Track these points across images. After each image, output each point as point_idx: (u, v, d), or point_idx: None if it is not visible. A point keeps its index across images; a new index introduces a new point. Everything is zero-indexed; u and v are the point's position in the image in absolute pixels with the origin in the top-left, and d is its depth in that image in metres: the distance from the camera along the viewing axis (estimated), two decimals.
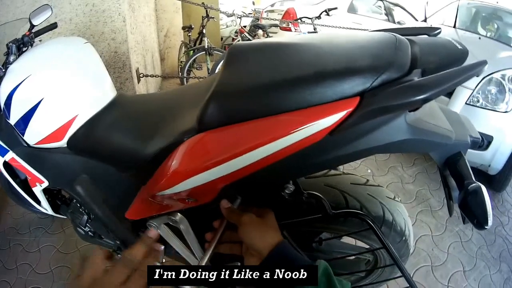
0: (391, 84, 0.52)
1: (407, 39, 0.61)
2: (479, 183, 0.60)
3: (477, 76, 0.53)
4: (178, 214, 0.75)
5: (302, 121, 0.52)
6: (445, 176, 0.69)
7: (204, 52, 3.39)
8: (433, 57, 0.61)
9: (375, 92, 0.51)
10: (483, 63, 0.51)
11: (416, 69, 0.56)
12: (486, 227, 0.56)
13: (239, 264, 0.79)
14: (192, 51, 3.64)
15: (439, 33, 0.75)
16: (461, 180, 0.63)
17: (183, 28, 4.01)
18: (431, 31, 0.75)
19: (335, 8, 3.93)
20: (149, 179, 0.72)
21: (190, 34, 3.91)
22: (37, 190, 0.99)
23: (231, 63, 0.62)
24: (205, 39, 3.47)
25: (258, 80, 0.57)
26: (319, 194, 0.74)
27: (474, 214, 0.58)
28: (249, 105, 0.56)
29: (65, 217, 1.11)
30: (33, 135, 0.86)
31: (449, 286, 1.58)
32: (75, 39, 1.07)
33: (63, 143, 0.85)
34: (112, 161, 0.81)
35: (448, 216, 1.96)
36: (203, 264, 0.67)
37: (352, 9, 4.82)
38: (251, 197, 0.73)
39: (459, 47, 0.62)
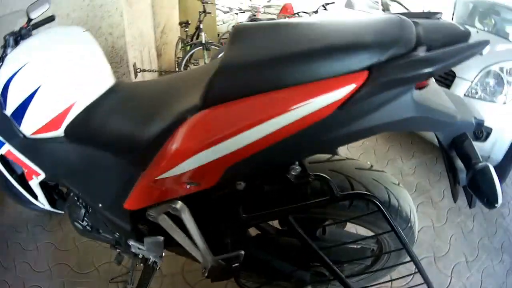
0: (398, 59, 0.52)
1: (410, 20, 0.61)
2: (486, 162, 0.61)
3: (481, 55, 0.56)
4: (179, 202, 0.73)
5: (309, 94, 0.51)
6: (451, 158, 0.69)
7: (201, 47, 3.36)
8: (436, 36, 0.61)
9: (383, 66, 0.51)
10: (486, 42, 0.54)
11: (421, 46, 0.57)
12: (496, 205, 0.57)
13: (242, 252, 0.78)
14: (189, 46, 3.61)
15: (440, 17, 0.75)
16: (468, 160, 0.64)
17: (180, 23, 3.99)
18: (432, 15, 0.76)
19: (333, 3, 3.94)
20: (149, 164, 0.70)
21: (187, 29, 3.88)
22: (34, 184, 0.97)
23: (236, 40, 0.61)
24: (202, 34, 3.45)
25: (265, 53, 0.56)
26: (327, 176, 0.73)
27: (484, 193, 0.58)
28: (256, 78, 0.55)
29: (62, 212, 1.08)
30: (29, 125, 0.85)
31: (452, 276, 1.57)
32: (74, 27, 1.07)
33: (60, 132, 0.83)
34: (111, 147, 0.79)
35: (449, 208, 1.97)
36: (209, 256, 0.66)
37: (349, 4, 4.79)
38: (256, 181, 0.72)
39: (462, 28, 0.63)
